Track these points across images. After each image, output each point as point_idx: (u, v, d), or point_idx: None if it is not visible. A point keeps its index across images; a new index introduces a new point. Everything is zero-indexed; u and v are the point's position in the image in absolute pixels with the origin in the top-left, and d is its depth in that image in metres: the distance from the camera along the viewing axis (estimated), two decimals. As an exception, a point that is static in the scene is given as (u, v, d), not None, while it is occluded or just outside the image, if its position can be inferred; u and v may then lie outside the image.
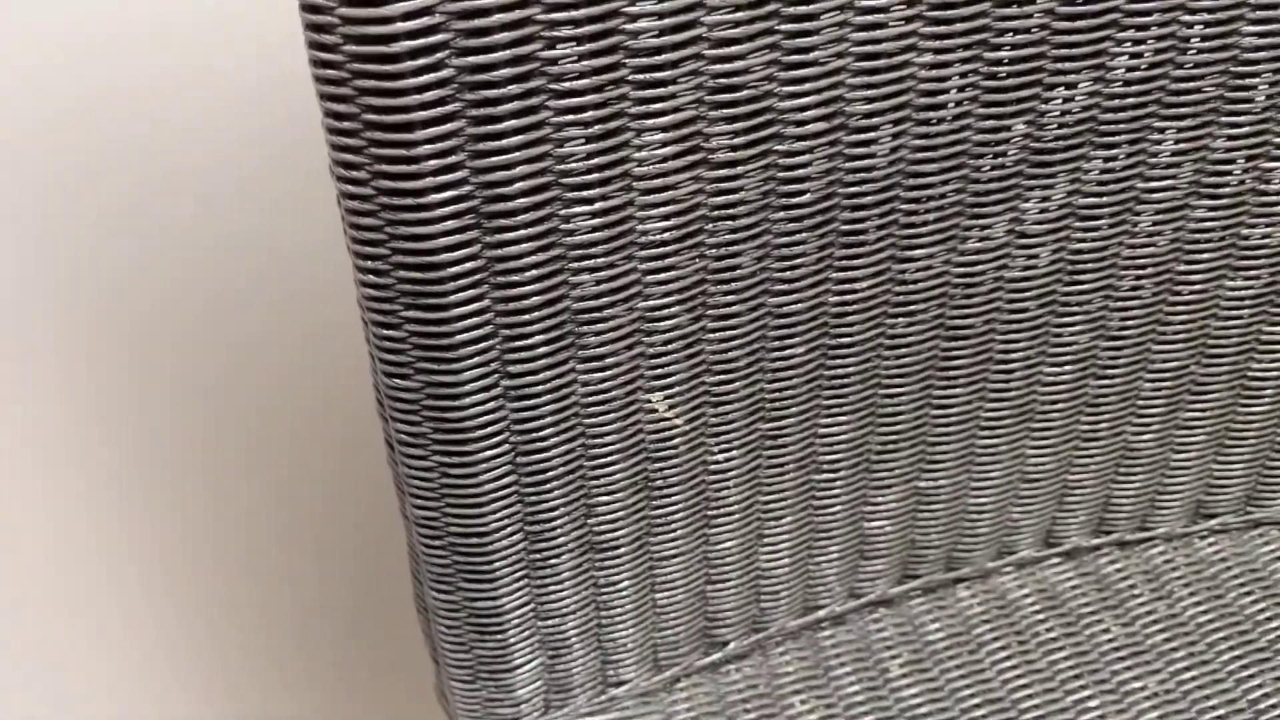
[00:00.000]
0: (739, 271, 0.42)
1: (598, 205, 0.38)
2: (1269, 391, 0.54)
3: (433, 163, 0.35)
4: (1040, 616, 0.56)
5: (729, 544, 0.50)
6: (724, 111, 0.38)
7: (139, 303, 0.67)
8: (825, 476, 0.50)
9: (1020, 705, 0.53)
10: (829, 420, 0.48)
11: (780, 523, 0.51)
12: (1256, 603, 0.56)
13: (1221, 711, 0.53)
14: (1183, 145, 0.45)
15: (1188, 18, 0.42)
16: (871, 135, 0.41)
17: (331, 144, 0.36)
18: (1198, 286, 0.50)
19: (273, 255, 0.68)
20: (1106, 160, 0.45)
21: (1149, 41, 0.42)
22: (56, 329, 0.67)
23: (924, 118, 0.41)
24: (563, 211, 0.38)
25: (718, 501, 0.49)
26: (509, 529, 0.45)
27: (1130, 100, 0.44)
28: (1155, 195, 0.46)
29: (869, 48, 0.39)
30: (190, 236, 0.66)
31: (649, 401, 0.44)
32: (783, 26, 0.38)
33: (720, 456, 0.47)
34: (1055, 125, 0.43)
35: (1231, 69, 0.44)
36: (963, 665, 0.54)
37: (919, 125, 0.41)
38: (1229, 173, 0.47)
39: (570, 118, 0.36)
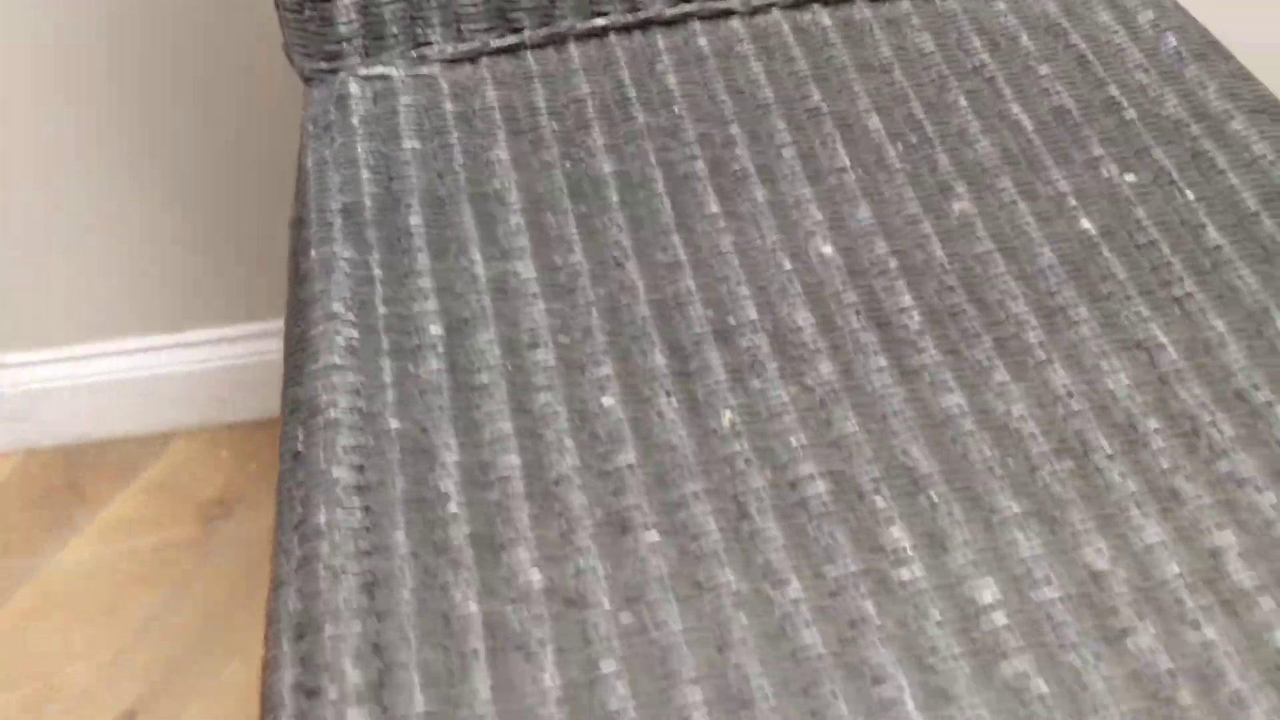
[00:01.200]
0: None
1: None
2: None
3: None
4: (790, 42, 0.68)
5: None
6: None
7: None
8: None
9: (763, 122, 0.65)
10: None
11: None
12: (973, 40, 0.67)
13: (929, 87, 0.64)
14: None
15: None
16: None
17: None
18: None
19: None
20: None
21: None
22: None
23: None
24: None
25: None
26: None
27: None
28: None
29: None
30: None
31: None
32: None
33: None
34: None
35: None
36: (721, 69, 0.66)
37: None
38: None
39: None
